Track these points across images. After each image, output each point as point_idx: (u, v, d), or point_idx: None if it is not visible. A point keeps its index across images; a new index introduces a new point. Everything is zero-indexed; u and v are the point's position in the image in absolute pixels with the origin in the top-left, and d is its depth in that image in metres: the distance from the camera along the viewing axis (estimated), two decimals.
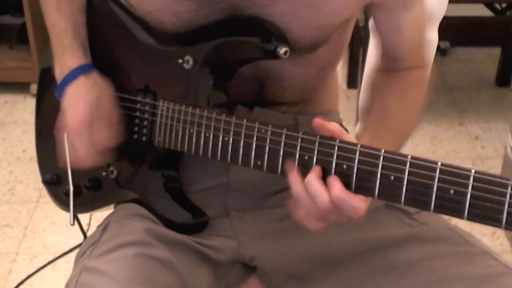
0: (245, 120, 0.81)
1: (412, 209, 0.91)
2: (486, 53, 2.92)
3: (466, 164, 2.16)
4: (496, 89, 2.72)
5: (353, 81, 2.60)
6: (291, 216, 0.96)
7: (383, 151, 0.71)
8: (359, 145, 0.73)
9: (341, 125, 1.08)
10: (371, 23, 1.17)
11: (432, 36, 1.59)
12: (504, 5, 2.68)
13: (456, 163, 0.68)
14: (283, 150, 0.78)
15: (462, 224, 0.92)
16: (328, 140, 0.75)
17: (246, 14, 0.85)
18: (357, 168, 0.73)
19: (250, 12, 0.85)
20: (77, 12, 0.96)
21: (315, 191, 0.75)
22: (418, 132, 2.36)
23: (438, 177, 0.67)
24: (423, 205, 0.69)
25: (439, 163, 0.68)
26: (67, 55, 0.94)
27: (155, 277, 0.84)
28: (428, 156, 2.35)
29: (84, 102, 0.91)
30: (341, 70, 1.07)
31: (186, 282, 0.87)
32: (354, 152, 0.73)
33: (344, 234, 0.92)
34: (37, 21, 2.43)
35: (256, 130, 0.80)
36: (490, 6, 2.67)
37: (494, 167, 2.18)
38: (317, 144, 0.76)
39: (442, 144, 2.35)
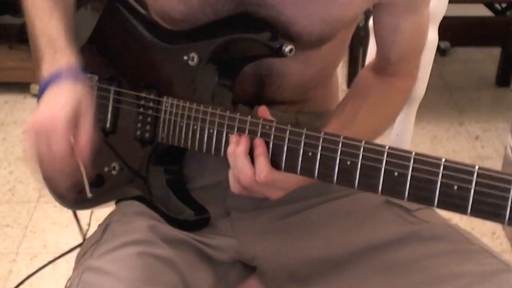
0: (249, 117, 0.80)
1: (412, 206, 0.91)
2: (486, 53, 2.91)
3: None
4: (496, 89, 2.72)
5: (353, 81, 2.59)
6: (291, 215, 0.96)
7: (387, 147, 0.71)
8: (363, 141, 0.73)
9: None
10: (371, 23, 1.17)
11: (432, 36, 1.59)
12: (504, 5, 2.68)
13: None
14: (287, 146, 0.78)
15: (462, 223, 0.93)
16: (332, 136, 0.75)
17: (253, 2, 0.84)
18: (361, 164, 0.73)
19: (259, 0, 0.84)
20: (70, 16, 0.94)
21: (241, 166, 0.79)
22: (418, 132, 2.36)
23: (442, 173, 0.67)
24: (427, 201, 0.69)
25: (443, 159, 0.68)
26: (60, 56, 0.89)
27: (158, 276, 0.84)
28: None
29: (65, 98, 0.84)
30: (341, 70, 1.07)
31: (187, 281, 0.87)
32: (358, 148, 0.73)
33: (344, 233, 0.92)
34: None
35: (260, 126, 0.79)
36: (490, 6, 2.67)
37: (494, 167, 2.15)
38: (321, 140, 0.76)
39: (442, 144, 2.35)
